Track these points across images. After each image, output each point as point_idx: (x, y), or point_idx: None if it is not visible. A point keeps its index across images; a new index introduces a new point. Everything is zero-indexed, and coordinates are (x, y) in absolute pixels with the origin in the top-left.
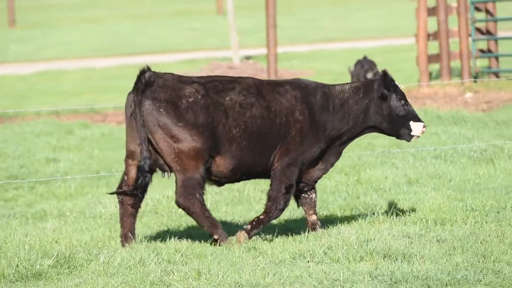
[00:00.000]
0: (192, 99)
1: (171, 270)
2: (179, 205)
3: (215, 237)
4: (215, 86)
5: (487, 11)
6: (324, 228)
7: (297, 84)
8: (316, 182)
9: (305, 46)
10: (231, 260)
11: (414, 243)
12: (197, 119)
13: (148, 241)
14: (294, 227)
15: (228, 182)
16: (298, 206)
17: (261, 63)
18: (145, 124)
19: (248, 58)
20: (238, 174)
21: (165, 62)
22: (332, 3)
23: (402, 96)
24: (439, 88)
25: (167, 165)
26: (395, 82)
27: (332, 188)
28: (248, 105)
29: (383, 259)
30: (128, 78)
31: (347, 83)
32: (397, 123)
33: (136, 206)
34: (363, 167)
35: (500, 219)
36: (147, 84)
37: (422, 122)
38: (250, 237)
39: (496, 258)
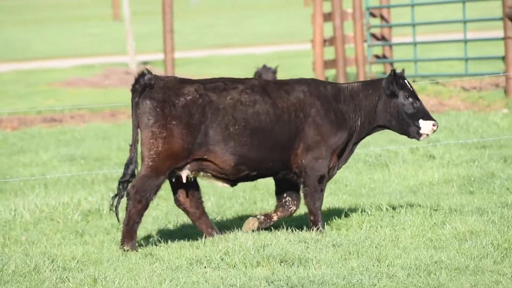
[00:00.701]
0: (190, 97)
1: (66, 277)
2: (128, 194)
3: (125, 247)
4: (217, 86)
5: (382, 17)
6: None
7: (303, 81)
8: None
9: (202, 52)
10: (128, 266)
11: (310, 248)
12: (191, 118)
13: (43, 248)
14: (191, 233)
15: (241, 180)
16: (276, 206)
17: (158, 69)
18: (140, 121)
19: (145, 63)
20: (245, 171)
21: (60, 68)
22: (228, 8)
23: (411, 93)
24: None
25: (142, 158)
26: (406, 80)
27: (229, 193)
28: (250, 103)
29: (280, 264)
30: (23, 84)
31: (355, 82)
32: (406, 121)
33: (200, 207)
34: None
35: (395, 223)
36: (146, 86)
37: (433, 120)
38: (321, 232)
39: (391, 262)
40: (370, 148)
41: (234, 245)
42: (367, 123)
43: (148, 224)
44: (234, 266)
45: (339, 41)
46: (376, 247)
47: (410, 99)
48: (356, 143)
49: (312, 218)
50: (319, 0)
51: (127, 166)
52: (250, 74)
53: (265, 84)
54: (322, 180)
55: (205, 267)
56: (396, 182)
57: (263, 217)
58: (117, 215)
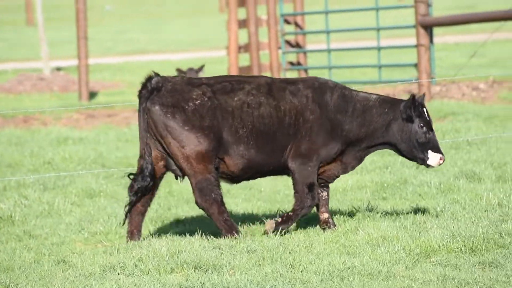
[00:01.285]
0: (199, 101)
1: None
2: (198, 206)
3: (232, 237)
4: (224, 87)
5: (296, 24)
6: (335, 228)
7: (310, 83)
8: (333, 180)
9: (117, 58)
10: (40, 273)
11: (225, 254)
12: (203, 121)
13: None
14: (105, 240)
15: (242, 180)
16: None
17: (72, 75)
18: (156, 128)
19: (59, 69)
20: (249, 173)
21: None
22: (143, 15)
23: (426, 123)
24: None
25: (179, 168)
26: (424, 108)
27: None
28: (256, 105)
29: (194, 271)
30: None
31: (375, 94)
32: (415, 148)
33: (146, 205)
34: (174, 179)
35: (309, 229)
36: (154, 89)
37: (441, 154)
38: (276, 230)
39: (304, 268)
40: None
41: (148, 251)
42: (375, 138)
43: (61, 231)
44: (148, 273)
45: (253, 47)
46: (290, 253)
47: (424, 129)
48: (361, 151)
49: (288, 214)
50: (233, 6)
51: (144, 169)
52: None
53: (271, 82)
54: (312, 187)
55: (118, 274)
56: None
57: (321, 225)
58: (125, 219)
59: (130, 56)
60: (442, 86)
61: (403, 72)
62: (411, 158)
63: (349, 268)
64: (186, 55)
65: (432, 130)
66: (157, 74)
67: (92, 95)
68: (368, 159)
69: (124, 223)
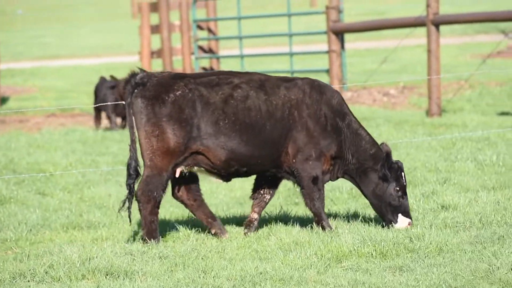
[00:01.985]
0: (179, 92)
1: None
2: (136, 196)
3: (149, 244)
4: (210, 81)
5: (209, 30)
6: (252, 233)
7: (309, 80)
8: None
9: (29, 63)
10: None
11: (137, 260)
12: (181, 113)
13: None
14: (15, 246)
15: (233, 176)
16: (250, 197)
17: None
18: (134, 121)
19: None
20: (235, 166)
21: None
22: (55, 20)
23: (401, 188)
24: None
25: (142, 158)
26: (403, 173)
27: (55, 206)
28: (242, 98)
29: (105, 277)
30: None
31: (366, 132)
32: (386, 208)
33: (198, 197)
34: (86, 185)
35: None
36: (138, 85)
37: (410, 219)
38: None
39: (216, 273)
40: None
41: (59, 258)
42: (354, 168)
43: None
44: (59, 280)
45: (166, 53)
46: (202, 258)
47: (399, 193)
48: (341, 168)
49: (316, 219)
50: (146, 12)
51: (129, 166)
52: (79, 86)
53: (265, 79)
54: (316, 181)
55: (28, 281)
56: (223, 193)
57: (245, 226)
58: (129, 217)
59: (42, 61)
60: (354, 92)
61: (315, 77)
62: (378, 213)
63: (261, 273)
64: (99, 60)
65: (406, 195)
66: (142, 70)
67: (3, 100)
68: None
69: (130, 222)
